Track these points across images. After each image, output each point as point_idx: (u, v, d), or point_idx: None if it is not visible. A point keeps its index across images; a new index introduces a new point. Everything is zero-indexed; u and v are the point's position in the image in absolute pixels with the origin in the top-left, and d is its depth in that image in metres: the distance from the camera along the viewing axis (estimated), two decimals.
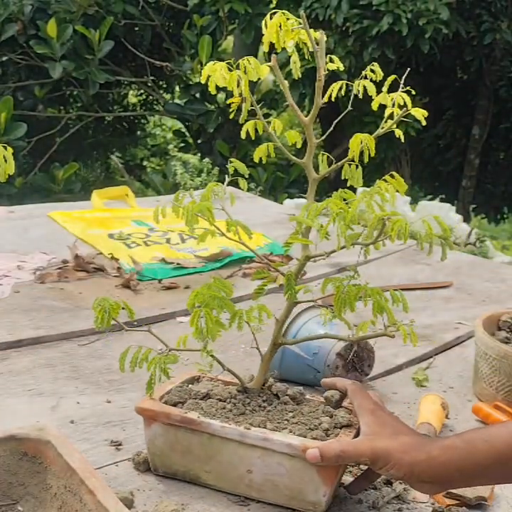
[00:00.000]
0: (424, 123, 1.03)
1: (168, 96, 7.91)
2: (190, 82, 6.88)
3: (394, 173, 1.00)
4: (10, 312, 1.66)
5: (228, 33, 7.01)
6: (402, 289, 2.01)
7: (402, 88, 1.01)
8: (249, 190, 5.20)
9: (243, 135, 1.08)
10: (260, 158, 1.08)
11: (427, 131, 7.45)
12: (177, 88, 7.68)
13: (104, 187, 2.94)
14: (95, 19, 6.23)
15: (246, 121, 1.07)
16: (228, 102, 1.06)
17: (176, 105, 6.96)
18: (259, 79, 1.04)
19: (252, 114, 1.07)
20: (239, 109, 1.05)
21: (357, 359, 1.37)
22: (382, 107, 1.04)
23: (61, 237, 2.23)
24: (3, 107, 5.28)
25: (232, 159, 1.07)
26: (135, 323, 1.61)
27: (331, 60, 1.04)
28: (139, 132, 8.71)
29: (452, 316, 1.82)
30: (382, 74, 1.02)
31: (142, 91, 8.12)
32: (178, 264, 2.05)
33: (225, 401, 1.07)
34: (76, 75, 6.18)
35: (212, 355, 1.05)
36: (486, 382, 1.36)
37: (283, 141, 1.08)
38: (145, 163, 8.68)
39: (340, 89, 1.03)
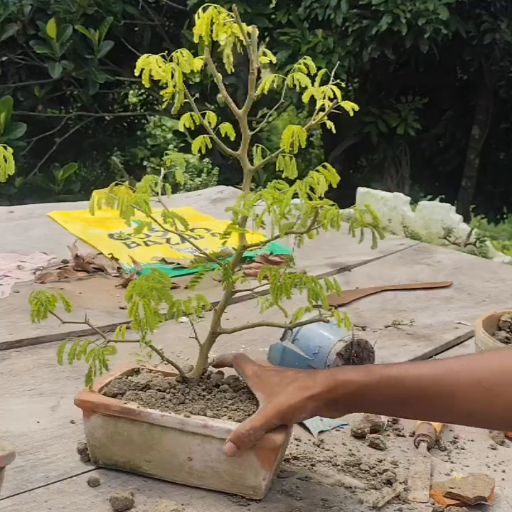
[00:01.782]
0: (351, 114, 1.05)
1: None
2: (190, 82, 6.89)
3: (327, 164, 1.02)
4: (10, 312, 1.66)
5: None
6: (402, 289, 2.02)
7: (333, 81, 1.04)
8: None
9: (180, 127, 1.10)
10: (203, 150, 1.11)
11: (427, 131, 7.45)
12: None
13: (104, 187, 2.94)
14: (95, 19, 6.23)
15: (179, 113, 1.11)
16: (161, 93, 1.11)
17: None
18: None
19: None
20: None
21: (357, 359, 1.37)
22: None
23: (61, 237, 2.23)
24: (3, 107, 5.28)
25: (167, 151, 1.11)
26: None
27: (265, 54, 1.08)
28: (138, 132, 8.72)
29: (452, 316, 1.82)
30: (315, 67, 1.06)
31: (142, 91, 8.13)
32: (178, 264, 2.04)
33: (164, 391, 1.07)
34: (76, 75, 6.19)
35: (150, 346, 1.06)
36: None
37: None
38: (145, 163, 8.68)
39: (273, 81, 1.06)
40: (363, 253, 2.24)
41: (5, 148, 1.02)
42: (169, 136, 9.47)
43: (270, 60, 1.07)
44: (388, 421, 1.27)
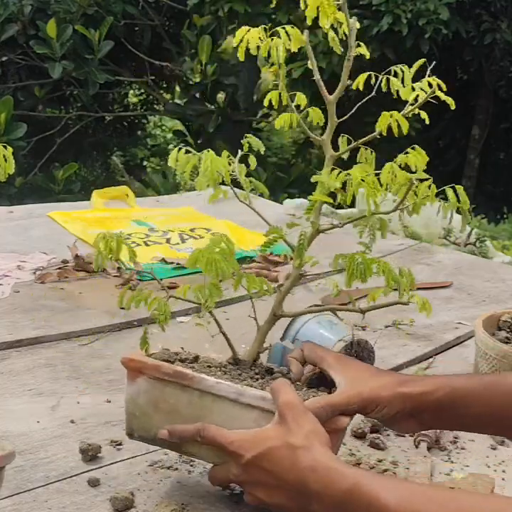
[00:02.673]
0: (452, 107, 1.03)
1: (168, 96, 7.92)
2: (190, 82, 6.89)
3: (416, 146, 0.99)
4: (10, 312, 1.66)
5: (228, 32, 7.01)
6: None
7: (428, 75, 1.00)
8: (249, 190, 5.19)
9: (266, 103, 1.07)
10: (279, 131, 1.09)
11: (427, 131, 7.45)
12: (177, 88, 7.69)
13: (104, 187, 2.94)
14: (95, 19, 6.23)
15: (269, 91, 1.07)
16: (264, 70, 1.08)
17: (176, 105, 6.96)
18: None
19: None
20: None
21: (357, 359, 1.37)
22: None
23: (61, 237, 2.23)
24: (3, 107, 5.28)
25: (247, 135, 1.07)
26: (135, 323, 1.62)
27: (359, 45, 1.05)
28: (139, 132, 8.72)
29: (452, 316, 1.82)
30: (411, 73, 1.02)
31: (142, 91, 8.13)
32: (178, 264, 2.04)
33: (215, 367, 1.01)
34: (76, 75, 6.19)
35: (210, 312, 1.00)
36: None
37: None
38: (145, 163, 8.68)
39: (369, 79, 1.02)
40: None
41: (5, 147, 1.02)
42: (169, 136, 9.47)
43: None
44: None
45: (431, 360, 1.57)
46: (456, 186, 0.95)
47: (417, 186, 0.97)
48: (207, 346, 1.43)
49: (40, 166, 6.56)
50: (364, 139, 1.03)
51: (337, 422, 0.94)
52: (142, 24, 6.99)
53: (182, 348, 1.08)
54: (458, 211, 0.98)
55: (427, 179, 0.95)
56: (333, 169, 0.99)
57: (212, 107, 6.69)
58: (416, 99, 1.01)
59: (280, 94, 1.06)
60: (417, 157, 0.99)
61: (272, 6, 7.18)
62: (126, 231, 2.30)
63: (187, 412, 0.95)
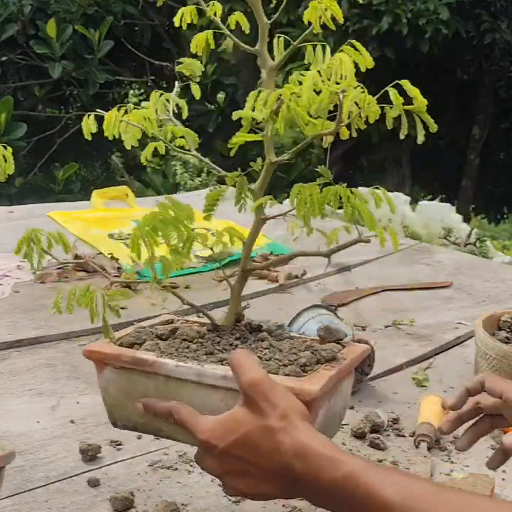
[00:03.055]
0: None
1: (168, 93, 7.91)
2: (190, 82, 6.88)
3: (354, 41, 0.85)
4: (10, 312, 1.66)
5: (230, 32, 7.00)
6: (402, 289, 2.02)
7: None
8: (249, 190, 5.19)
9: (176, 22, 0.99)
10: None
11: (427, 131, 7.45)
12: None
13: (104, 187, 2.94)
14: (95, 19, 6.23)
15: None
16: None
17: (175, 105, 6.95)
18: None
19: None
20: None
21: None
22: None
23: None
24: (3, 107, 5.28)
25: (181, 59, 1.00)
26: (135, 323, 1.62)
27: None
28: None
29: (452, 316, 1.82)
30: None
31: (142, 91, 8.12)
32: None
33: (190, 341, 0.94)
34: (76, 74, 6.19)
35: (164, 286, 0.93)
36: None
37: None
38: (145, 163, 8.67)
39: None
40: (363, 253, 2.24)
41: (5, 148, 1.02)
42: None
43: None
44: (388, 421, 1.27)
45: (431, 360, 1.57)
46: (400, 81, 0.84)
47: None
48: None
49: (40, 166, 6.56)
50: (303, 34, 0.89)
51: (305, 393, 0.83)
52: (142, 24, 6.99)
53: (178, 317, 1.03)
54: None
55: (357, 86, 0.83)
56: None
57: (212, 107, 6.69)
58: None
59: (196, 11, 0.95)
60: (351, 55, 0.84)
61: (272, 6, 7.17)
62: (126, 231, 2.31)
63: (158, 397, 0.90)
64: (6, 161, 1.01)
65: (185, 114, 0.97)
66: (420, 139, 0.84)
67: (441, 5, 5.90)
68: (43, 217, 2.46)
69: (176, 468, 1.10)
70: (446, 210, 5.56)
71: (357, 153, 8.62)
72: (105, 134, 0.91)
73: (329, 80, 0.82)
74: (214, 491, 1.04)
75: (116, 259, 2.03)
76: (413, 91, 0.83)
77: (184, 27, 0.96)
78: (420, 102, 0.83)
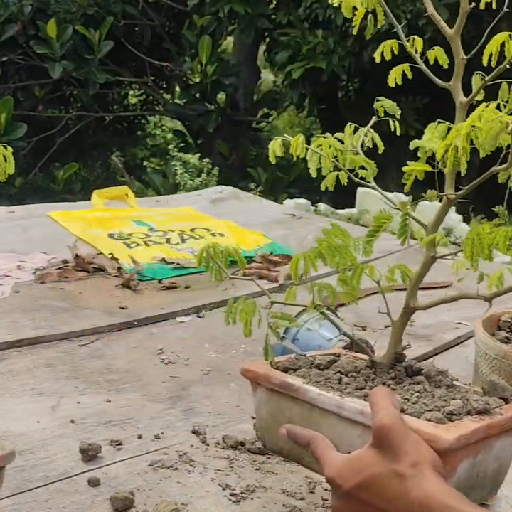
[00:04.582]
0: None
1: (168, 96, 7.92)
2: (190, 82, 6.89)
3: None
4: (10, 312, 1.66)
5: (228, 33, 7.02)
6: (402, 289, 2.02)
7: None
8: (249, 190, 5.21)
9: (377, 58, 0.97)
10: None
11: None
12: (177, 88, 7.69)
13: (104, 187, 2.94)
14: (95, 19, 6.24)
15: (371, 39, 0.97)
16: (353, 18, 0.94)
17: (175, 105, 6.97)
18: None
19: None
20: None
21: None
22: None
23: (61, 237, 2.23)
24: (4, 107, 5.28)
25: (380, 98, 0.98)
26: (135, 323, 1.62)
27: None
28: (139, 132, 8.72)
29: (452, 316, 1.82)
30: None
31: (142, 91, 8.13)
32: (178, 264, 2.04)
33: (345, 374, 0.93)
34: (76, 75, 6.20)
35: (322, 312, 0.94)
36: None
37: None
38: (145, 163, 8.68)
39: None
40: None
41: (5, 147, 1.02)
42: (169, 136, 9.46)
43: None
44: None
45: (431, 360, 1.57)
46: None
47: None
48: (207, 346, 1.43)
49: (41, 166, 6.57)
50: (494, 72, 0.88)
51: (438, 440, 0.78)
52: (142, 24, 6.99)
53: (345, 347, 1.04)
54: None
55: None
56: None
57: (212, 107, 6.70)
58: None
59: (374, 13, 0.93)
60: None
61: (272, 6, 7.19)
62: (126, 231, 2.31)
63: (301, 425, 0.90)
64: (6, 160, 1.01)
65: (381, 149, 0.98)
66: None
67: (441, 5, 5.90)
68: (43, 217, 2.46)
69: (176, 468, 1.10)
70: None
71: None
72: (294, 158, 0.92)
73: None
74: (214, 491, 1.04)
75: (117, 259, 2.03)
76: None
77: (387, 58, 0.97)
78: None
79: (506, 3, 0.93)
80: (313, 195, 5.99)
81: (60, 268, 1.95)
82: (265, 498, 1.03)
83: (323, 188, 0.95)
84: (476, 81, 0.91)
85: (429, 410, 0.84)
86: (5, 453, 0.85)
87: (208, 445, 1.16)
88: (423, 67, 0.95)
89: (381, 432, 0.78)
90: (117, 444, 1.16)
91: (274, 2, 7.21)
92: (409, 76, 0.96)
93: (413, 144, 0.88)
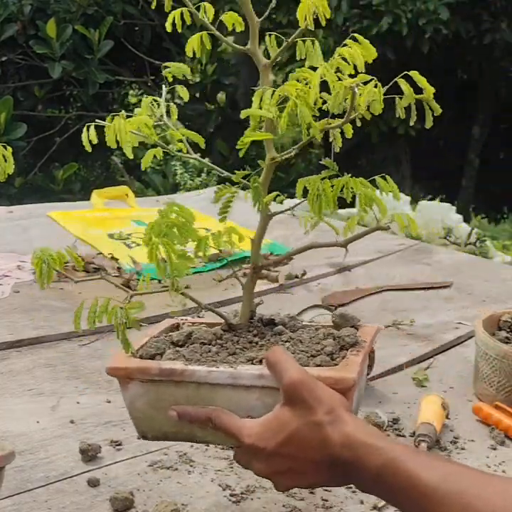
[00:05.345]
0: None
1: (167, 96, 7.92)
2: (190, 82, 6.88)
3: (356, 35, 0.84)
4: (10, 312, 1.66)
5: (228, 33, 7.01)
6: (402, 289, 2.02)
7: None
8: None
9: (168, 27, 0.94)
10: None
11: (427, 131, 7.46)
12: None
13: (104, 187, 2.94)
14: (95, 19, 6.23)
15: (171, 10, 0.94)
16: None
17: (175, 105, 6.95)
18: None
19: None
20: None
21: None
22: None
23: (61, 237, 2.23)
24: (3, 107, 5.28)
25: (168, 63, 0.97)
26: None
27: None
28: None
29: (452, 316, 1.82)
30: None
31: (142, 91, 8.12)
32: None
33: (209, 344, 0.93)
34: (76, 74, 6.19)
35: (182, 293, 0.92)
36: (487, 382, 1.36)
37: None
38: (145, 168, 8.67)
39: None
40: (363, 253, 2.24)
41: (5, 147, 1.02)
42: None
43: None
44: (388, 421, 1.27)
45: (431, 360, 1.57)
46: (410, 72, 0.85)
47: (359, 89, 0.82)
48: None
49: (40, 166, 6.56)
50: (296, 32, 0.89)
51: (344, 381, 0.84)
52: (142, 24, 6.99)
53: (181, 319, 1.02)
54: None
55: (370, 80, 0.81)
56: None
57: (212, 106, 6.69)
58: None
59: (181, 13, 0.92)
60: (359, 48, 0.82)
61: (272, 6, 7.17)
62: (126, 231, 2.31)
63: (188, 405, 0.89)
64: (5, 160, 1.01)
65: (174, 117, 0.96)
66: (429, 124, 0.86)
67: (441, 5, 5.90)
68: (43, 217, 2.46)
69: (176, 469, 1.10)
70: (446, 210, 5.56)
71: (357, 153, 8.63)
72: (108, 144, 0.90)
73: (336, 74, 0.83)
74: (214, 491, 1.04)
75: (116, 259, 2.03)
76: (422, 81, 0.85)
77: (179, 29, 0.95)
78: (429, 90, 0.85)
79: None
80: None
81: None
82: (265, 498, 1.03)
83: (143, 167, 0.95)
84: (272, 42, 0.92)
85: (313, 356, 0.89)
86: (5, 453, 0.85)
87: (207, 445, 1.16)
88: (217, 33, 0.93)
89: (294, 388, 0.82)
90: (117, 445, 1.16)
91: (274, 2, 7.20)
92: (208, 46, 0.95)
93: (243, 113, 0.86)
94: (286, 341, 0.93)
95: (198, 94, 6.61)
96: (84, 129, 0.91)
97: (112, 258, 2.04)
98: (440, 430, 1.23)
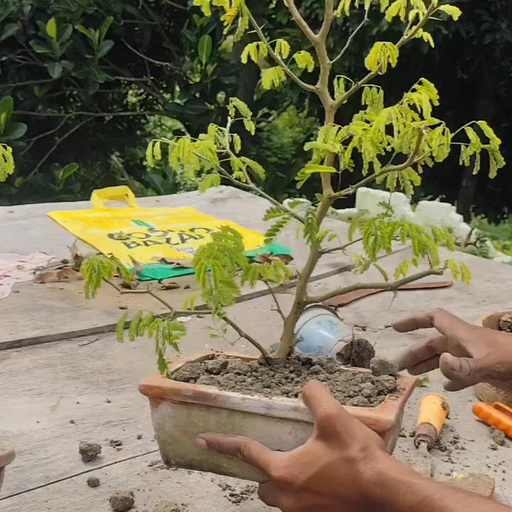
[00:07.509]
0: (455, 19, 0.97)
1: (167, 96, 7.92)
2: (190, 82, 6.89)
3: (423, 79, 0.87)
4: (10, 312, 1.66)
5: (228, 33, 7.01)
6: (402, 289, 2.01)
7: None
8: (249, 190, 5.21)
9: (244, 59, 0.98)
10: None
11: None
12: (177, 88, 7.69)
13: (104, 187, 2.94)
14: (95, 19, 6.24)
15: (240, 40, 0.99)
16: (222, 18, 0.98)
17: (175, 105, 6.96)
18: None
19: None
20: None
21: (357, 359, 1.37)
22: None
23: (61, 237, 2.23)
24: (3, 107, 5.28)
25: (232, 98, 0.98)
26: None
27: None
28: (138, 132, 8.72)
29: None
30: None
31: (142, 91, 8.13)
32: (178, 264, 2.04)
33: (244, 374, 0.93)
34: (76, 74, 6.20)
35: (224, 318, 0.91)
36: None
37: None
38: (145, 163, 8.69)
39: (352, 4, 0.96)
40: (363, 253, 2.24)
41: (5, 147, 1.02)
42: (169, 135, 9.48)
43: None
44: None
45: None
46: (478, 122, 0.86)
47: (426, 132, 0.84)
48: (207, 346, 1.43)
49: (40, 166, 6.57)
50: (365, 78, 0.92)
51: (382, 423, 0.83)
52: (142, 24, 6.99)
53: (211, 349, 1.03)
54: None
55: (438, 124, 0.83)
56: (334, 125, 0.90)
57: (212, 106, 6.69)
58: (416, 20, 0.90)
59: (257, 46, 0.96)
60: (426, 93, 0.85)
61: (272, 6, 7.18)
62: (126, 231, 2.31)
63: (220, 433, 0.88)
64: (5, 160, 1.01)
65: (238, 148, 0.98)
66: (493, 174, 0.89)
67: (441, 5, 5.90)
68: (43, 217, 2.46)
69: (176, 469, 1.10)
70: (446, 210, 5.56)
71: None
72: (170, 164, 0.92)
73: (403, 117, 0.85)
74: (214, 491, 1.04)
75: (117, 259, 2.03)
76: (489, 131, 0.86)
77: (254, 58, 1.00)
78: (495, 141, 0.87)
79: None
80: (313, 195, 5.98)
81: (59, 268, 1.95)
82: None
83: (201, 192, 0.96)
84: (341, 84, 0.95)
85: (350, 396, 0.88)
86: (5, 453, 0.85)
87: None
88: (287, 70, 0.97)
89: (328, 422, 0.80)
90: (117, 445, 1.16)
91: (274, 2, 7.21)
92: (283, 78, 0.99)
93: (308, 146, 0.88)
94: (322, 380, 0.92)
95: (197, 94, 6.61)
96: (150, 144, 0.92)
97: (112, 258, 2.04)
98: (440, 430, 1.23)
